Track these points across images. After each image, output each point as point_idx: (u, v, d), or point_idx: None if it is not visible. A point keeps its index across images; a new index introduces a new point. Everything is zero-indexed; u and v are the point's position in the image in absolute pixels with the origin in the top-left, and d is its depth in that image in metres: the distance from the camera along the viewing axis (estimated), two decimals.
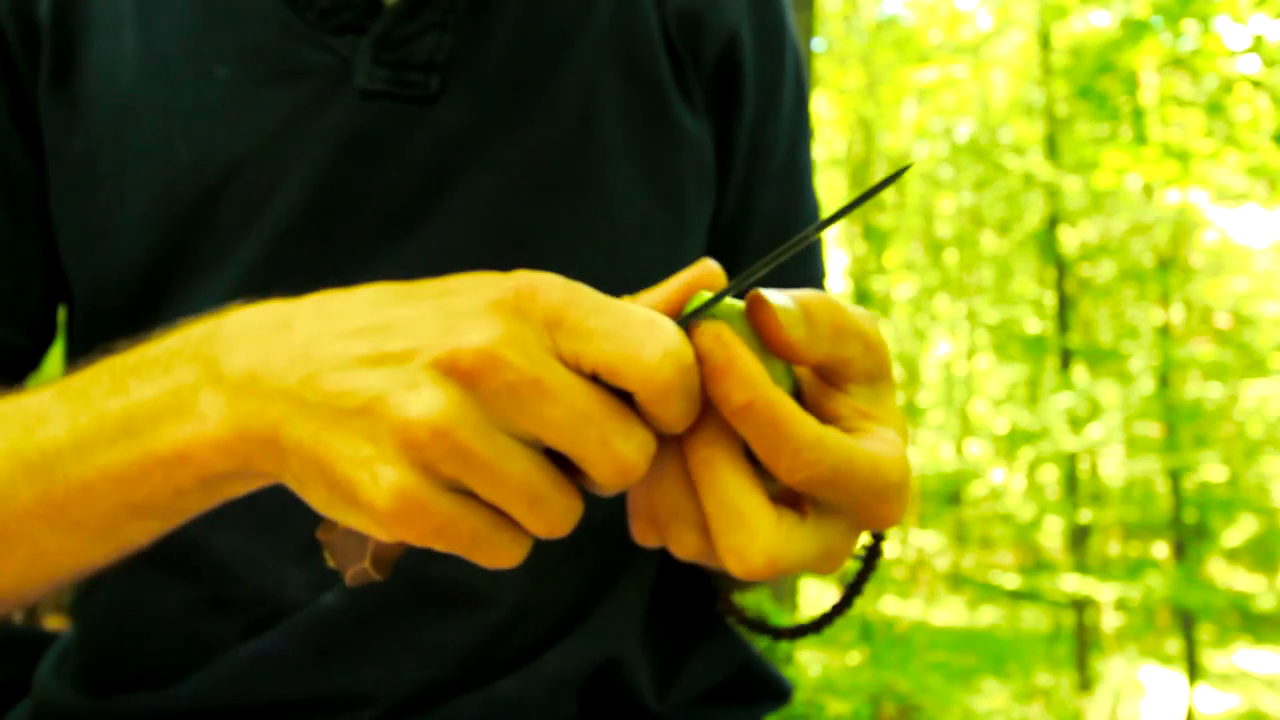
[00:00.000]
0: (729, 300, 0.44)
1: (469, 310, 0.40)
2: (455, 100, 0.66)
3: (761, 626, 0.65)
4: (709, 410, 0.42)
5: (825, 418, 0.45)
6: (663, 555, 0.75)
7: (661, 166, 0.71)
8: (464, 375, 0.39)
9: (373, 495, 0.39)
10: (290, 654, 0.64)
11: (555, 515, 0.41)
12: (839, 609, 0.57)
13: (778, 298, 0.43)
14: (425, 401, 0.39)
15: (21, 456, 0.50)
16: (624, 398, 0.41)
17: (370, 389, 0.40)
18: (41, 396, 0.51)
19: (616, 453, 0.40)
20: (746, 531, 0.41)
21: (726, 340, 0.41)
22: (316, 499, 0.43)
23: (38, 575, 0.53)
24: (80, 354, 0.70)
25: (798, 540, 0.42)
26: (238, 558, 0.65)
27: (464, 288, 0.42)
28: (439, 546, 0.41)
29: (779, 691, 0.79)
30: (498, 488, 0.40)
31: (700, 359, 0.41)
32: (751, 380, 0.40)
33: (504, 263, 0.67)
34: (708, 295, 0.44)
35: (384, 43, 0.65)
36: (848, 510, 0.43)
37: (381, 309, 0.42)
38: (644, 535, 0.46)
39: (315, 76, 0.65)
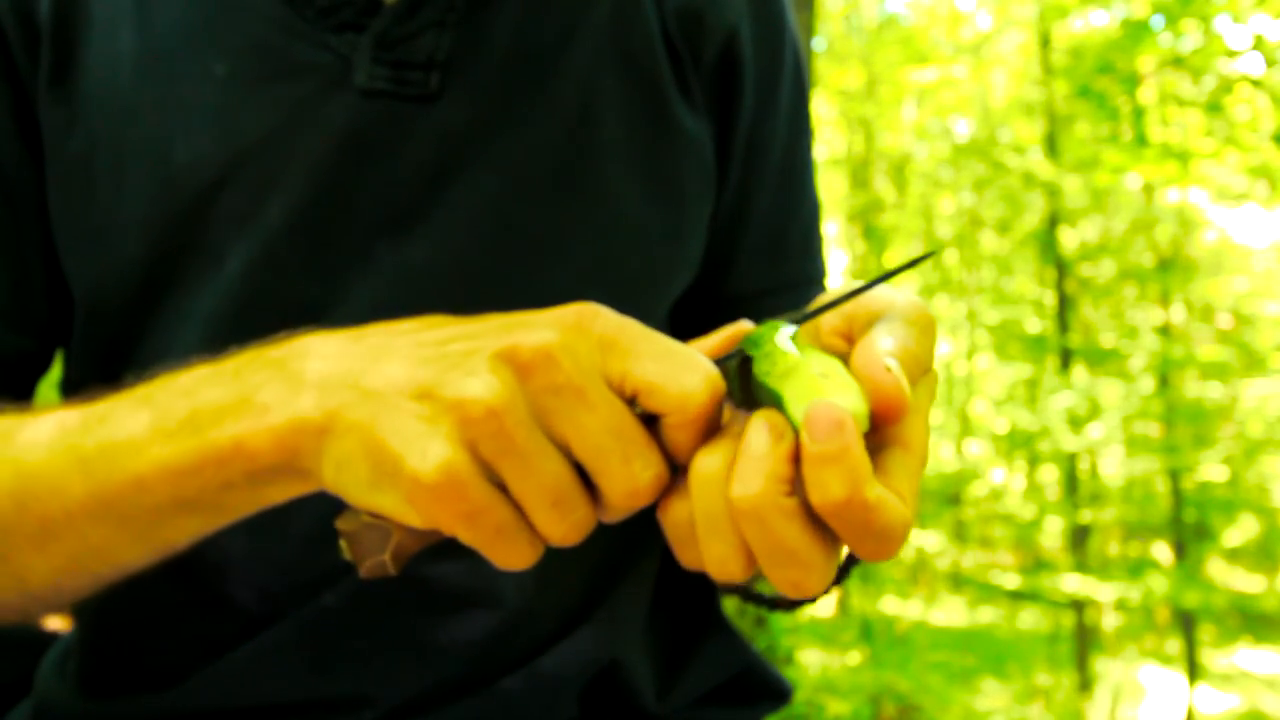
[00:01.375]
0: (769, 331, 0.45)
1: (534, 321, 0.44)
2: (455, 99, 0.66)
3: (755, 596, 0.65)
4: (767, 450, 0.41)
5: None
6: (663, 557, 0.75)
7: (661, 166, 0.71)
8: (520, 366, 0.42)
9: (419, 468, 0.42)
10: (290, 655, 0.64)
11: (572, 521, 0.44)
12: (837, 580, 0.59)
13: (904, 395, 0.42)
14: (482, 383, 0.42)
15: (78, 453, 0.51)
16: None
17: (432, 376, 0.43)
18: (105, 402, 0.53)
19: (634, 474, 0.43)
20: (803, 568, 0.42)
21: (848, 430, 0.39)
22: (353, 482, 0.44)
23: (77, 571, 0.55)
24: (81, 352, 0.69)
25: (835, 557, 0.43)
26: (238, 558, 0.65)
27: (534, 314, 0.46)
28: (465, 534, 0.43)
29: (779, 692, 0.78)
30: (528, 480, 0.42)
31: (810, 436, 0.40)
32: (859, 478, 0.39)
33: (504, 261, 0.67)
34: (780, 324, 0.45)
35: (383, 41, 0.65)
36: None
37: (450, 325, 0.47)
38: (694, 562, 0.46)
39: (314, 75, 0.65)
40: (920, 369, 0.44)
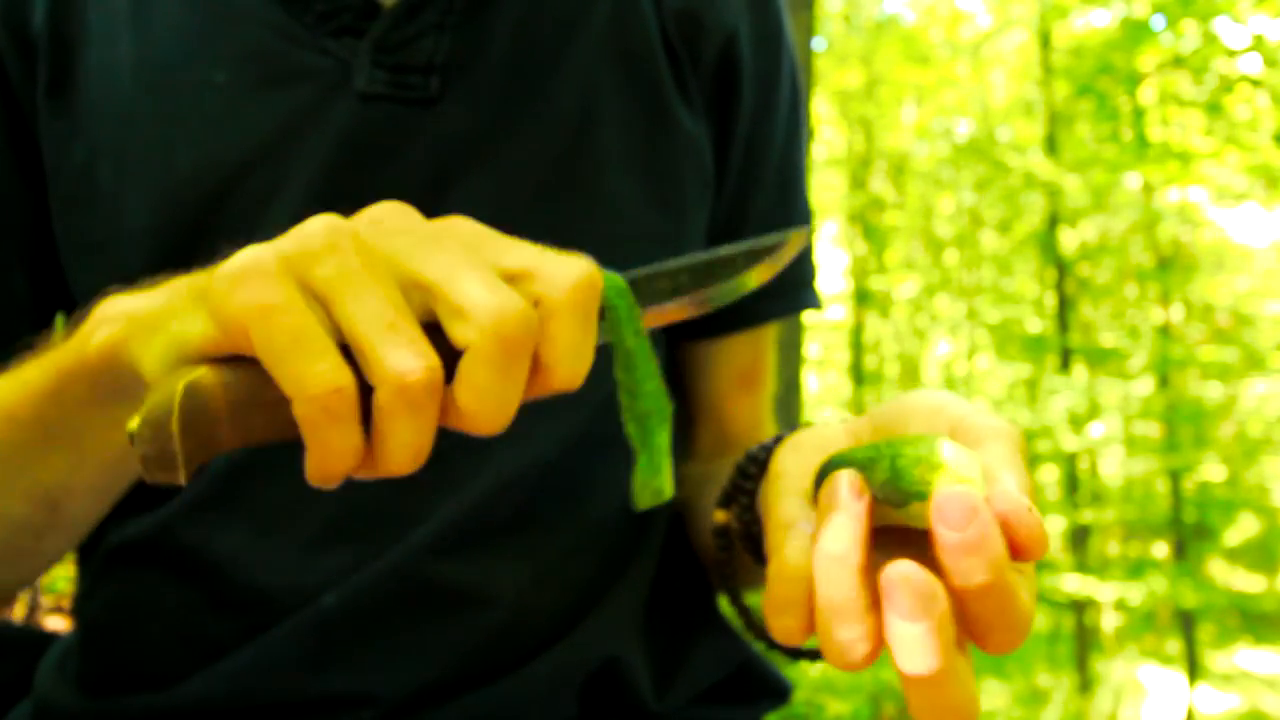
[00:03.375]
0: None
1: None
2: (455, 102, 0.66)
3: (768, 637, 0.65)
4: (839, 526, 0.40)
5: None
6: (662, 555, 0.76)
7: (660, 168, 0.71)
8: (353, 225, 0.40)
9: (226, 269, 0.38)
10: (291, 654, 0.64)
11: (410, 356, 0.37)
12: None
13: (1033, 521, 0.40)
14: (318, 221, 0.39)
15: None
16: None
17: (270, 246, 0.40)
18: None
19: (487, 296, 0.38)
20: (954, 692, 0.39)
21: (984, 515, 0.38)
22: (166, 324, 0.41)
23: None
24: None
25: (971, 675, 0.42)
26: (238, 558, 0.65)
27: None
28: (259, 334, 0.37)
29: (778, 690, 0.79)
30: (358, 300, 0.37)
31: (939, 522, 0.38)
32: (1000, 561, 0.39)
33: None
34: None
35: (383, 45, 0.65)
36: None
37: None
38: (791, 639, 0.43)
39: (314, 80, 0.65)
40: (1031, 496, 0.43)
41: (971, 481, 0.40)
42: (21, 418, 0.52)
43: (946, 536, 0.38)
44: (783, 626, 0.42)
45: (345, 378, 0.37)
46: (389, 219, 0.40)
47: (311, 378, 0.37)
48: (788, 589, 0.42)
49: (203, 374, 0.38)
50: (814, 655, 0.58)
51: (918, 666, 0.37)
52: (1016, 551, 0.40)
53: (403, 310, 0.38)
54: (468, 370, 0.38)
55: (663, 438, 0.42)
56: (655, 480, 0.42)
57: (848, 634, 0.40)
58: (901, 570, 0.37)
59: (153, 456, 0.37)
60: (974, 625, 0.40)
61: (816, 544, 0.41)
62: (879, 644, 0.40)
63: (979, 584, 0.38)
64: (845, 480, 0.42)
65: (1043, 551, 0.40)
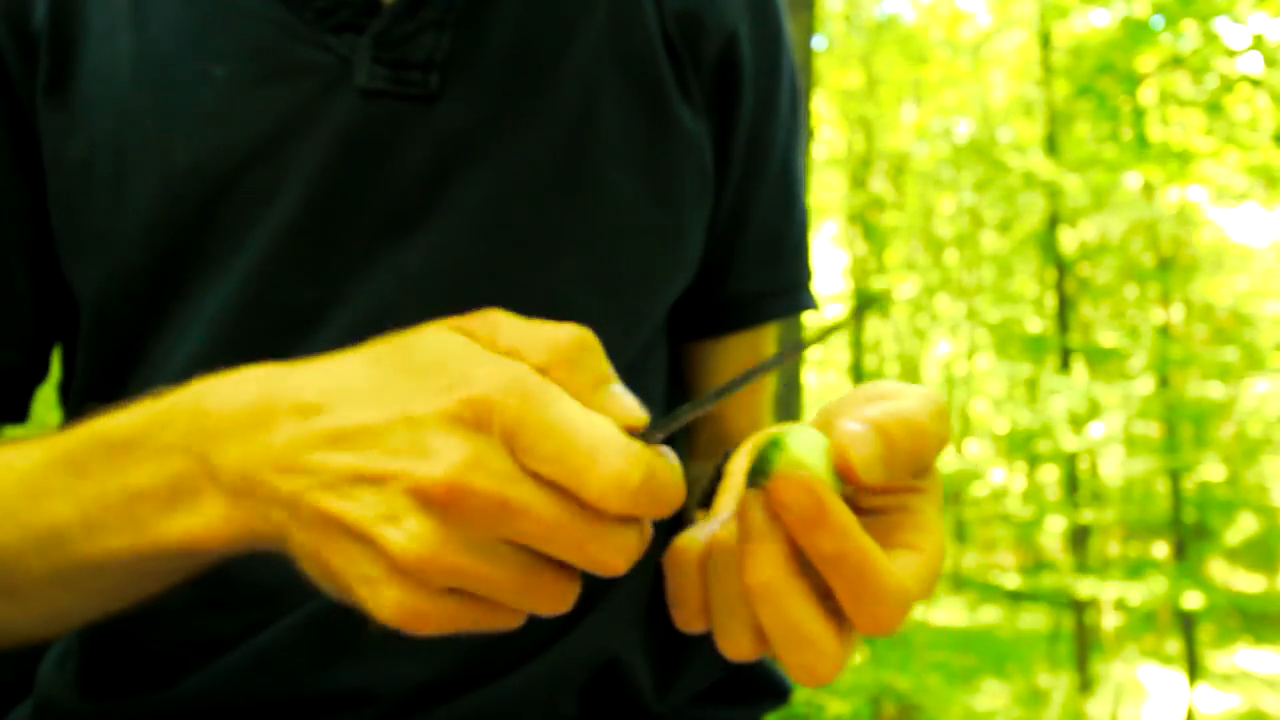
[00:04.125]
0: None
1: (431, 422, 0.40)
2: (455, 99, 0.66)
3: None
4: (768, 530, 0.41)
5: (858, 507, 0.44)
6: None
7: (660, 167, 0.71)
8: (437, 505, 0.40)
9: (379, 609, 0.42)
10: (291, 653, 0.64)
11: (549, 599, 0.43)
12: None
13: (861, 445, 0.41)
14: (407, 532, 0.40)
15: (31, 530, 0.52)
16: None
17: (355, 515, 0.42)
18: (37, 464, 0.53)
19: (592, 557, 0.41)
20: (815, 651, 0.41)
21: (818, 493, 0.40)
22: (326, 588, 0.46)
23: (56, 627, 0.58)
24: (88, 356, 0.70)
25: (850, 643, 0.43)
26: (238, 557, 0.65)
27: (425, 388, 0.41)
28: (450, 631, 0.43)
29: (778, 690, 0.79)
30: (490, 588, 0.42)
31: (784, 508, 0.40)
32: (846, 530, 0.40)
33: (502, 262, 0.67)
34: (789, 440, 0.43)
35: (383, 41, 0.66)
36: None
37: (351, 407, 0.42)
38: (689, 624, 0.46)
39: (314, 75, 0.65)
40: (919, 442, 0.43)
41: (804, 464, 0.41)
42: (113, 571, 0.50)
43: (784, 515, 0.40)
44: (679, 618, 0.46)
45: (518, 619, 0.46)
46: (453, 497, 0.40)
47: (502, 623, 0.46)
48: (676, 582, 0.45)
49: None
50: None
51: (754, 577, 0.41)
52: (845, 476, 0.42)
53: (527, 573, 0.43)
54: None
55: None
56: None
57: (734, 628, 0.43)
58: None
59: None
60: (840, 599, 0.41)
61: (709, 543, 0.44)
62: (762, 641, 0.43)
63: (824, 552, 0.40)
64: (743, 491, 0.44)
65: (864, 478, 0.41)
